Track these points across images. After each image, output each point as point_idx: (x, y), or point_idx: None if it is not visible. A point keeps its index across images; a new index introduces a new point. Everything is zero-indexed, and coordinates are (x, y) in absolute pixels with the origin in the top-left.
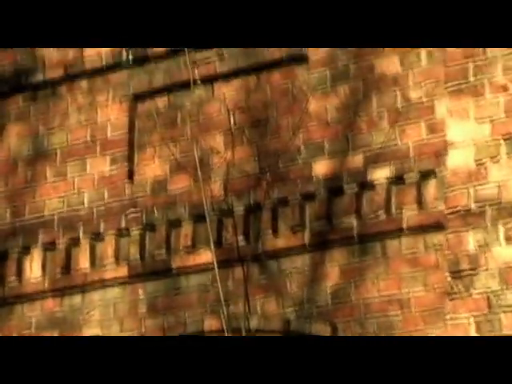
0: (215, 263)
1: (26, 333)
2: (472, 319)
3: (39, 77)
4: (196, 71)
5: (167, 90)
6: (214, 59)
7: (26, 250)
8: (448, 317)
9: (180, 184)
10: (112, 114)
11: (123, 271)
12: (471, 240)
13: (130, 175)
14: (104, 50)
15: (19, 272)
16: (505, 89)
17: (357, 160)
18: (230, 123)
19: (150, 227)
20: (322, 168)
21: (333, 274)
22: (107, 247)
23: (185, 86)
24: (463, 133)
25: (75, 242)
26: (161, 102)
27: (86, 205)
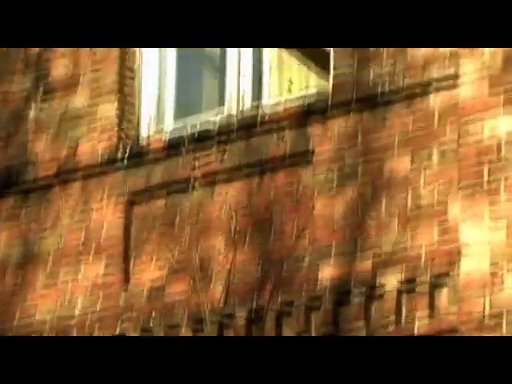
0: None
1: None
2: None
3: (31, 176)
4: (195, 170)
5: (165, 190)
6: (214, 158)
7: None
8: None
9: (178, 289)
10: (107, 216)
11: None
12: None
13: (126, 280)
14: (100, 148)
15: None
16: None
17: (365, 264)
18: (231, 225)
19: (146, 335)
20: (328, 273)
21: None
22: None
23: (184, 186)
24: (477, 236)
25: None
26: (159, 202)
27: (79, 311)
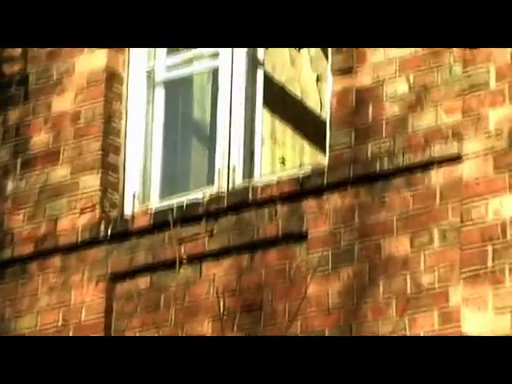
0: None
1: None
2: None
3: (7, 253)
4: (182, 248)
5: (149, 269)
6: (202, 235)
7: None
8: None
9: None
10: (87, 296)
11: None
12: None
13: None
14: (80, 224)
15: None
16: None
17: None
18: (219, 308)
19: None
20: None
21: None
22: None
23: (169, 265)
24: (480, 324)
25: None
26: (142, 282)
27: None
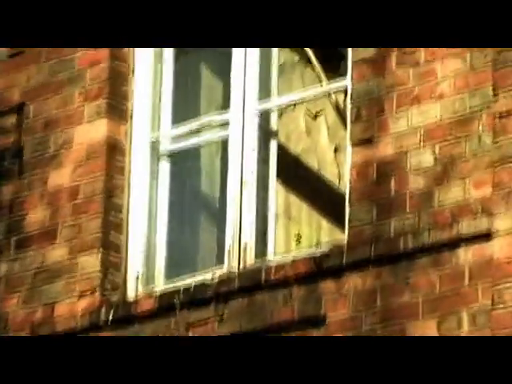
0: None
1: None
2: None
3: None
4: (190, 334)
5: None
6: (211, 320)
7: None
8: None
9: None
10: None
11: None
12: None
13: None
14: (79, 309)
15: None
16: None
17: None
18: None
19: None
20: None
21: None
22: None
23: None
24: None
25: None
26: None
27: None
